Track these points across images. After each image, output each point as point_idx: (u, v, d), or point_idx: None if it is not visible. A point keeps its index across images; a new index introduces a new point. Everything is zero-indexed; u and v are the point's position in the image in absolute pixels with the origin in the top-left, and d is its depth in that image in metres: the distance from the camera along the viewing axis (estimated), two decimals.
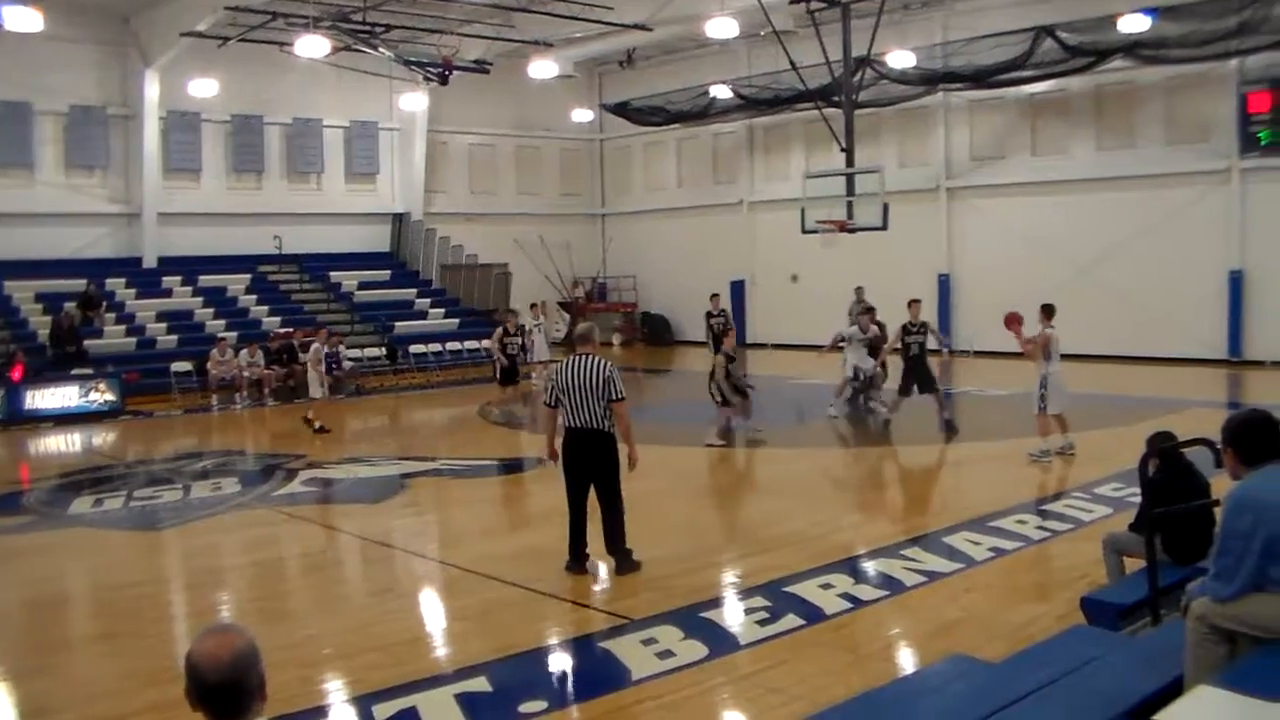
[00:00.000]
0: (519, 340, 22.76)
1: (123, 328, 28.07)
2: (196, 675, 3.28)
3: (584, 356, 10.41)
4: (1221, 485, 5.78)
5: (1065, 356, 16.02)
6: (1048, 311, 15.92)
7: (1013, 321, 15.79)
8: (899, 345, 18.79)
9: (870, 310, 21.39)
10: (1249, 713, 4.48)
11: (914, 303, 19.18)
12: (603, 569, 10.50)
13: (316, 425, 20.56)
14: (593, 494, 10.47)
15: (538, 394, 24.80)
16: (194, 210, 32.03)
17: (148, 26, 29.73)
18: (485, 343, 31.31)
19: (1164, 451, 7.93)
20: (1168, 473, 7.95)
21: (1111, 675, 5.58)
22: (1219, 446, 5.73)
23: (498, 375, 22.43)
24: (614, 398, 10.21)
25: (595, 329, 11.32)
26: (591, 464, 10.37)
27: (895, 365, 20.33)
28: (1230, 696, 4.64)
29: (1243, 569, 5.22)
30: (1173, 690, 5.20)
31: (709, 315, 23.55)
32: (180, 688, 3.34)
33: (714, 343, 22.85)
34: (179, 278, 30.88)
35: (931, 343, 18.97)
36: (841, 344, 21.14)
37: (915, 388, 18.49)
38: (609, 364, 10.42)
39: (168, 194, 31.47)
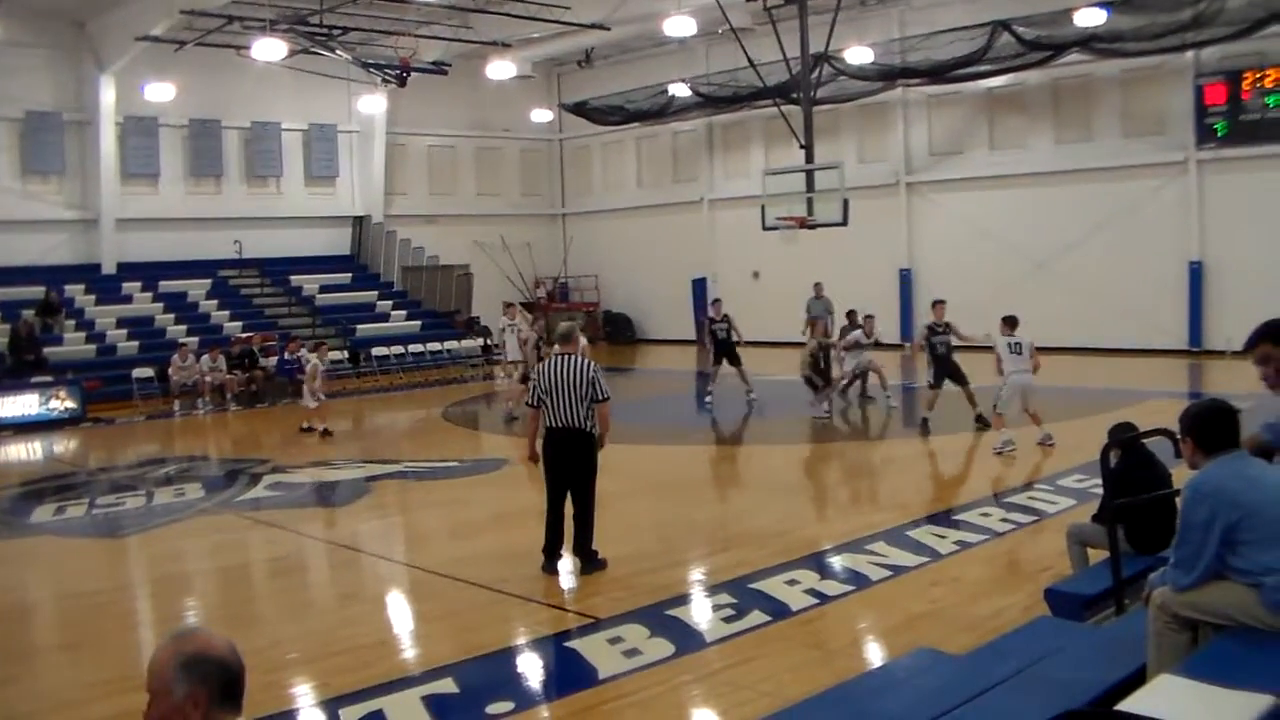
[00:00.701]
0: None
1: (82, 334, 27.87)
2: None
3: (567, 356, 10.39)
4: (1183, 475, 5.82)
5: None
6: (1009, 323, 16.45)
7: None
8: (923, 344, 18.90)
9: (870, 317, 21.46)
10: (1210, 700, 4.52)
11: (938, 304, 19.15)
12: (571, 568, 10.49)
13: (321, 428, 20.46)
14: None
15: (503, 394, 24.90)
16: (153, 215, 31.85)
17: (102, 31, 29.48)
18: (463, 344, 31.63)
19: (1125, 442, 7.99)
20: (1129, 463, 8.01)
21: (1076, 665, 5.61)
22: (1178, 436, 5.77)
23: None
24: (599, 398, 10.23)
25: (577, 328, 11.32)
26: (571, 464, 10.33)
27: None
28: (1192, 685, 4.67)
29: (1202, 558, 5.26)
30: (1136, 679, 5.23)
31: (711, 321, 23.11)
32: (140, 698, 3.21)
33: (717, 350, 22.68)
34: (139, 283, 30.67)
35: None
36: (846, 349, 21.43)
37: (947, 379, 18.52)
38: (593, 364, 10.48)
39: (126, 199, 31.27)
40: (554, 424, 10.26)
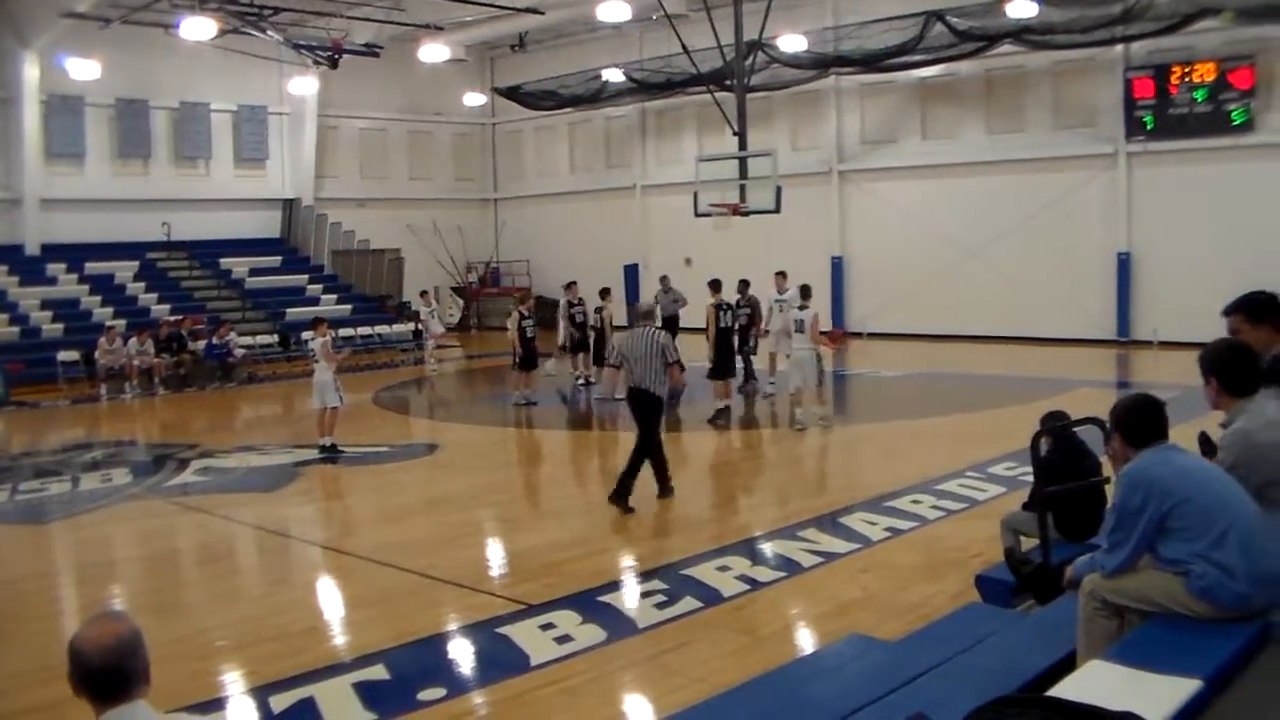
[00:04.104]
0: (534, 322, 21.39)
1: (5, 317, 27.41)
2: (79, 659, 3.36)
3: (645, 328, 12.62)
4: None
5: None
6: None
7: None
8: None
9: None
10: (1137, 684, 4.56)
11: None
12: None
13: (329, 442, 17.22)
14: None
15: (436, 378, 25.06)
16: (78, 196, 31.29)
17: (25, 6, 28.86)
18: (386, 327, 31.42)
19: (1055, 430, 8.05)
20: (1060, 452, 8.07)
21: (1006, 651, 5.65)
22: (1108, 427, 5.81)
23: (515, 361, 20.75)
24: (669, 361, 12.35)
25: (656, 308, 14.78)
26: (643, 415, 12.38)
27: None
28: (1119, 669, 4.72)
29: (1132, 545, 5.32)
30: (1065, 664, 5.28)
31: (569, 305, 22.72)
32: (68, 685, 3.31)
33: (572, 339, 22.45)
34: (64, 265, 30.20)
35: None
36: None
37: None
38: (664, 334, 12.65)
39: (50, 179, 30.73)
40: (632, 384, 12.35)
